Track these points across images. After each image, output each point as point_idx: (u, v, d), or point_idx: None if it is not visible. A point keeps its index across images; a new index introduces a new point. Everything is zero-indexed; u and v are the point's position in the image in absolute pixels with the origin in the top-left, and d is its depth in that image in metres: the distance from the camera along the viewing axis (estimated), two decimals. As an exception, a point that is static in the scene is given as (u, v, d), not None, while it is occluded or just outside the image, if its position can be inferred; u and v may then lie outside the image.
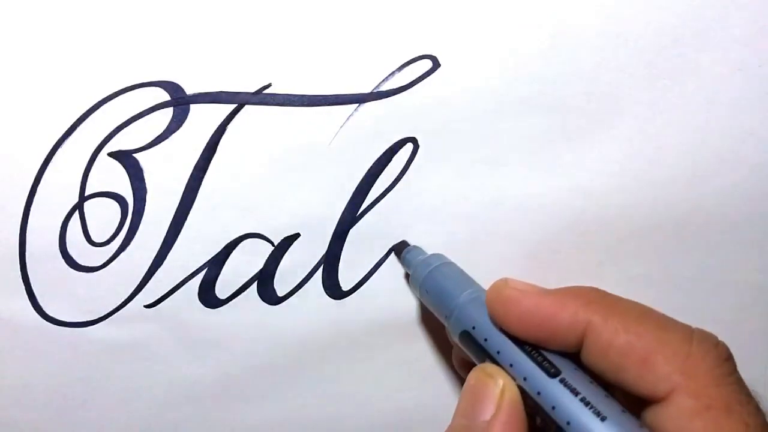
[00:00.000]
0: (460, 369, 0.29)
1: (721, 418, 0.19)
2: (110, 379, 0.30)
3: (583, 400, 0.21)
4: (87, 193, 0.28)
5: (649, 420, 0.21)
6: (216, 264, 0.29)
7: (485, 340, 0.24)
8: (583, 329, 0.22)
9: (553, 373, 0.22)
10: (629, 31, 0.28)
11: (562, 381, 0.21)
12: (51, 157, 0.28)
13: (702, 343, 0.21)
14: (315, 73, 0.28)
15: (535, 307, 0.23)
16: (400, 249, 0.29)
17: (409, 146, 0.29)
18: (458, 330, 0.25)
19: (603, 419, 0.20)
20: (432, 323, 0.30)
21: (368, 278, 0.30)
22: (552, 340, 0.22)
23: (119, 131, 0.28)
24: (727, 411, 0.20)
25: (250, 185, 0.29)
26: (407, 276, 0.29)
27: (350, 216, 0.29)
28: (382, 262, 0.29)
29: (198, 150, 0.28)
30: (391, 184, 0.29)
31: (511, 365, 0.23)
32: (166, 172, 0.28)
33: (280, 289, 0.30)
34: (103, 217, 0.29)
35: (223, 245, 0.29)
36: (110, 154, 0.28)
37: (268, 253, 0.29)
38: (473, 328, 0.24)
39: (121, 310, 0.29)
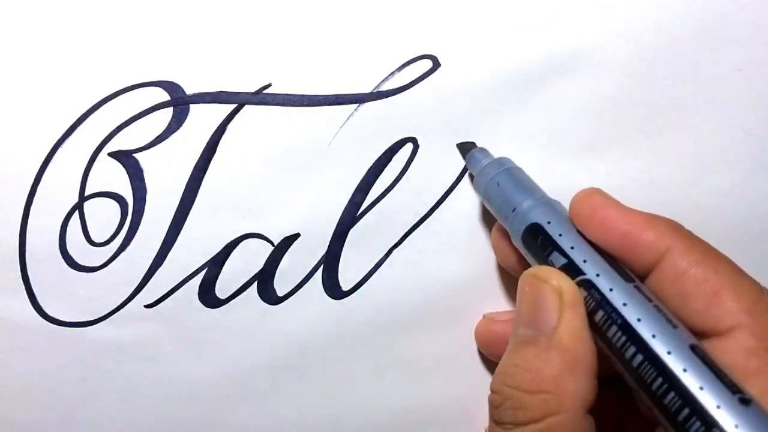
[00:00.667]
0: (502, 256, 0.28)
1: None
2: (110, 379, 0.30)
3: (656, 306, 0.21)
4: (87, 193, 0.28)
5: None
6: (216, 264, 0.29)
7: (560, 235, 0.24)
8: (663, 252, 0.22)
9: (628, 278, 0.22)
10: (629, 31, 0.28)
11: (636, 287, 0.22)
12: (51, 157, 0.28)
13: None
14: (315, 73, 0.28)
15: (623, 217, 0.23)
16: (467, 148, 0.28)
17: (409, 146, 0.29)
18: (527, 222, 0.24)
19: (675, 326, 0.20)
20: (431, 324, 0.30)
21: (368, 278, 0.30)
22: (630, 254, 0.23)
23: (119, 131, 0.28)
24: None
25: (250, 185, 0.29)
26: (471, 176, 0.29)
27: (350, 216, 0.29)
28: (382, 262, 0.29)
29: (198, 150, 0.28)
30: (391, 184, 0.29)
31: (585, 261, 0.23)
32: (166, 172, 0.28)
33: (280, 289, 0.30)
34: (103, 217, 0.29)
35: (223, 245, 0.29)
36: (110, 154, 0.28)
37: (268, 253, 0.29)
38: (548, 222, 0.24)
39: (121, 310, 0.29)
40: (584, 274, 0.22)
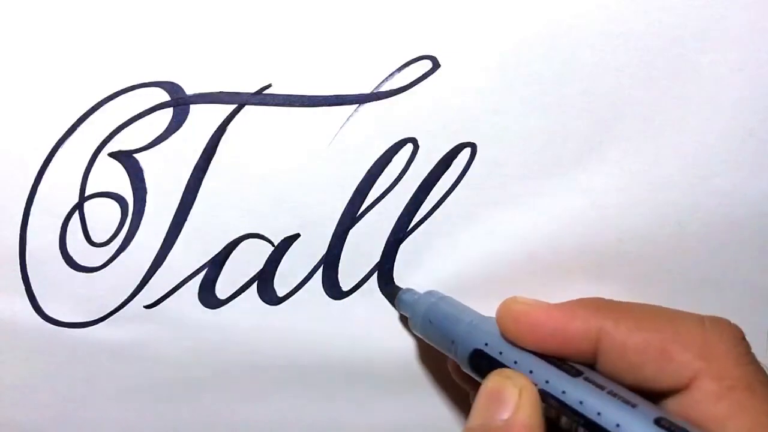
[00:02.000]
0: (463, 383, 0.29)
1: (744, 398, 0.20)
2: (110, 379, 0.30)
3: (610, 392, 0.21)
4: (87, 193, 0.28)
5: (672, 411, 0.21)
6: (216, 264, 0.29)
7: (500, 353, 0.24)
8: (596, 336, 0.22)
9: (574, 373, 0.22)
10: (629, 31, 0.28)
11: (585, 379, 0.22)
12: (51, 157, 0.28)
13: (715, 326, 0.21)
14: (315, 74, 0.28)
15: (546, 318, 0.23)
16: (393, 293, 0.29)
17: (409, 146, 0.29)
18: (469, 350, 0.25)
19: (634, 406, 0.20)
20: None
21: (368, 278, 0.30)
22: (566, 350, 0.23)
23: (119, 131, 0.28)
24: (750, 390, 0.20)
25: (250, 185, 0.29)
26: (402, 317, 0.30)
27: (350, 216, 0.29)
28: (383, 263, 0.29)
29: (198, 150, 0.28)
30: (391, 184, 0.29)
31: (531, 372, 0.23)
32: (166, 172, 0.28)
33: (280, 290, 0.30)
34: (103, 217, 0.29)
35: (223, 245, 0.29)
36: (110, 154, 0.28)
37: (268, 253, 0.29)
38: (486, 344, 0.24)
39: (121, 310, 0.29)
40: (535, 384, 0.22)
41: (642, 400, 0.21)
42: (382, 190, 0.29)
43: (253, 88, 0.28)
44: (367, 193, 0.29)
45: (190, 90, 0.28)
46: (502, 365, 0.24)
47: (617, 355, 0.22)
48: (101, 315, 0.29)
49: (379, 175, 0.29)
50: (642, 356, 0.21)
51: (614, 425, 0.20)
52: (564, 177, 0.29)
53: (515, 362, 0.23)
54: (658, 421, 0.19)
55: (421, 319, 0.27)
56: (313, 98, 0.28)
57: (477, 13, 0.28)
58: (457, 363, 0.26)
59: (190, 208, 0.29)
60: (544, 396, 0.22)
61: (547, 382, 0.22)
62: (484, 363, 0.24)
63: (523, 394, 0.22)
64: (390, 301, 0.30)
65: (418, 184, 0.29)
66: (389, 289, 0.30)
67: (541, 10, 0.28)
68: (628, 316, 0.22)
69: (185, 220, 0.29)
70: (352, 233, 0.29)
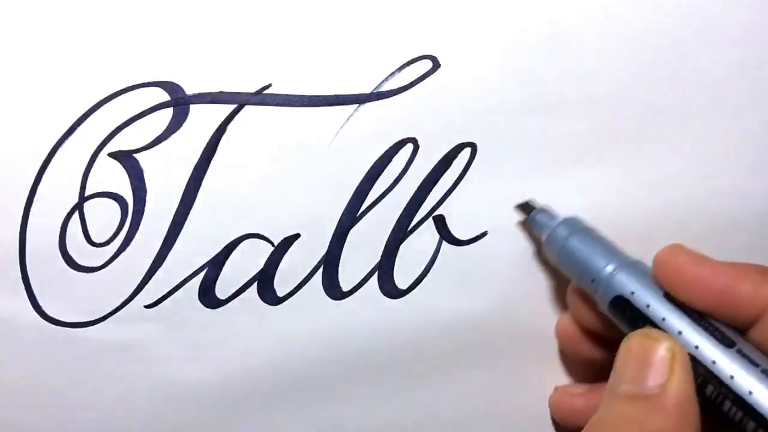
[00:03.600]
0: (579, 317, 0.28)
1: None
2: (110, 379, 0.30)
3: (764, 371, 0.20)
4: (87, 193, 0.28)
5: None
6: (216, 264, 0.29)
7: (647, 306, 0.22)
8: (764, 304, 0.21)
9: (728, 343, 0.21)
10: (629, 31, 0.28)
11: (739, 351, 0.21)
12: (51, 157, 0.28)
13: None
14: (315, 73, 0.28)
15: (715, 274, 0.22)
16: (526, 210, 0.28)
17: (409, 146, 0.29)
18: (611, 295, 0.23)
19: None
20: (432, 323, 0.30)
21: (368, 279, 0.30)
22: (727, 311, 0.22)
23: (119, 131, 0.28)
24: None
25: (250, 185, 0.29)
26: (536, 240, 0.28)
27: (350, 216, 0.29)
28: (383, 263, 0.29)
29: (198, 150, 0.28)
30: (391, 184, 0.29)
31: (679, 333, 0.22)
32: (166, 172, 0.28)
33: (280, 290, 0.29)
34: (103, 217, 0.29)
35: (223, 245, 0.29)
36: (110, 155, 0.28)
37: (268, 254, 0.29)
38: (632, 293, 0.23)
39: (121, 310, 0.29)
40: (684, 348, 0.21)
41: None
42: (382, 190, 0.29)
43: (253, 88, 0.28)
44: (367, 193, 0.29)
45: (190, 90, 0.28)
46: (646, 319, 0.22)
47: None
48: (101, 315, 0.29)
49: (379, 175, 0.29)
50: None
51: (766, 408, 0.19)
52: (564, 177, 0.29)
53: (663, 319, 0.22)
54: None
55: (559, 246, 0.26)
56: (313, 98, 0.28)
57: (477, 13, 0.28)
58: (581, 292, 0.25)
59: (190, 208, 0.29)
60: (692, 361, 0.21)
61: (696, 347, 0.21)
62: (625, 312, 0.23)
63: (677, 359, 0.21)
64: (524, 215, 0.28)
65: (418, 184, 0.29)
66: (523, 206, 0.28)
67: (542, 10, 0.28)
68: None
69: (185, 220, 0.29)
70: (352, 233, 0.29)
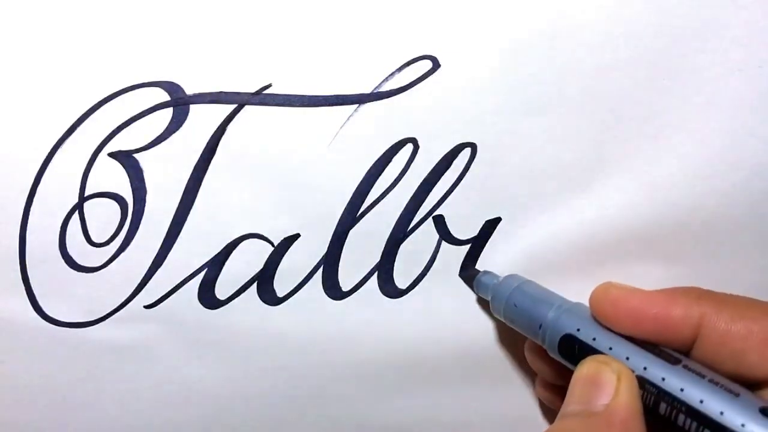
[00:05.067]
0: (540, 366, 0.29)
1: None
2: (110, 379, 0.30)
3: (711, 380, 0.21)
4: (87, 193, 0.28)
5: None
6: (216, 264, 0.29)
7: (593, 339, 0.24)
8: (697, 323, 0.22)
9: (674, 360, 0.22)
10: (629, 31, 0.28)
11: (685, 367, 0.22)
12: (51, 157, 0.28)
13: None
14: (315, 73, 0.28)
15: (647, 303, 0.23)
16: (471, 275, 0.29)
17: (409, 146, 0.29)
18: (559, 335, 0.25)
19: (737, 395, 0.20)
20: (432, 323, 0.30)
21: (368, 278, 0.30)
22: (665, 337, 0.23)
23: (119, 131, 0.28)
24: None
25: (250, 185, 0.29)
26: (479, 299, 0.30)
27: (350, 216, 0.29)
28: (383, 263, 0.29)
29: (198, 150, 0.28)
30: (391, 184, 0.29)
31: (627, 358, 0.23)
32: (166, 172, 0.28)
33: (280, 290, 0.29)
34: (103, 217, 0.29)
35: (223, 245, 0.29)
36: (110, 154, 0.28)
37: (268, 254, 0.29)
38: (578, 330, 0.24)
39: (121, 311, 0.29)
40: (632, 371, 0.22)
41: (743, 389, 0.21)
42: (382, 190, 0.29)
43: (253, 88, 0.28)
44: (367, 193, 0.29)
45: (190, 90, 0.28)
46: (594, 351, 0.23)
47: (718, 343, 0.22)
48: (101, 315, 0.29)
49: (379, 175, 0.29)
50: (745, 343, 0.22)
51: (718, 413, 0.20)
52: (563, 177, 0.29)
53: (610, 348, 0.23)
54: (763, 411, 0.19)
55: (505, 302, 0.27)
56: (313, 98, 0.28)
57: (477, 13, 0.28)
58: (535, 346, 0.26)
59: (190, 208, 0.29)
60: (642, 382, 0.22)
61: (645, 368, 0.22)
62: (574, 349, 0.24)
63: (622, 379, 0.22)
64: (468, 284, 0.30)
65: (418, 184, 0.29)
66: (467, 272, 0.30)
67: (542, 10, 0.28)
68: (728, 305, 0.23)
69: (185, 220, 0.29)
70: (352, 233, 0.29)
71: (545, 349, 0.26)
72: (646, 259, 0.30)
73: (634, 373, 0.22)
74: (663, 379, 0.21)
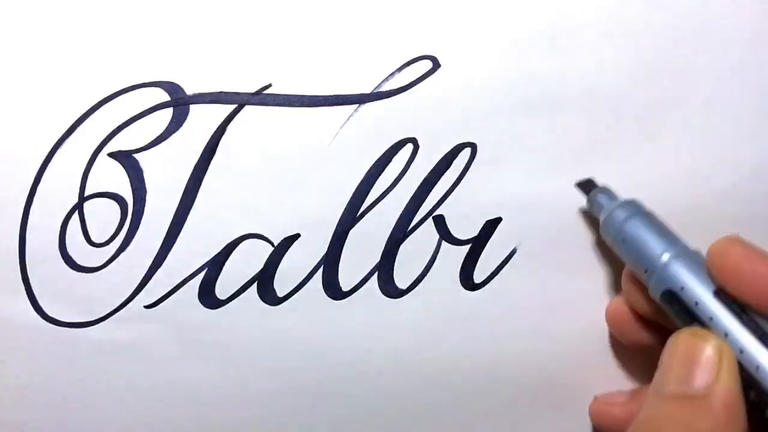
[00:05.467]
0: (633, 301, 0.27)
1: None
2: (110, 379, 0.30)
3: None
4: (87, 193, 0.28)
5: None
6: (216, 264, 0.29)
7: (696, 303, 0.22)
8: None
9: None
10: (629, 31, 0.28)
11: None
12: (51, 157, 0.28)
13: None
14: (315, 73, 0.28)
15: None
16: (588, 187, 0.28)
17: (409, 146, 0.29)
18: (661, 288, 0.23)
19: None
20: (432, 323, 0.30)
21: (368, 279, 0.30)
22: None
23: (119, 131, 0.28)
24: None
25: (250, 185, 0.29)
26: (593, 220, 0.28)
27: (350, 216, 0.29)
28: (383, 263, 0.29)
29: (198, 150, 0.28)
30: (391, 185, 0.29)
31: (725, 335, 0.21)
32: (166, 172, 0.28)
33: (280, 290, 0.29)
34: (103, 217, 0.29)
35: (223, 245, 0.29)
36: (110, 155, 0.28)
37: (268, 254, 0.29)
38: (681, 288, 0.23)
39: (121, 311, 0.29)
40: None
41: None
42: (382, 190, 0.29)
43: (253, 88, 0.28)
44: (367, 193, 0.29)
45: (190, 90, 0.28)
46: (695, 317, 0.22)
47: None
48: (101, 315, 0.29)
49: (379, 175, 0.29)
50: None
51: None
52: (564, 177, 0.29)
53: (711, 319, 0.22)
54: None
55: (614, 231, 0.26)
56: (313, 98, 0.28)
57: (477, 13, 0.28)
58: (638, 281, 0.25)
59: (190, 208, 0.29)
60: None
61: (741, 352, 0.21)
62: (676, 304, 0.23)
63: (724, 359, 0.21)
64: (582, 192, 0.28)
65: (418, 184, 0.29)
66: (584, 184, 0.28)
67: (541, 10, 0.28)
68: None
69: (185, 220, 0.29)
70: (352, 233, 0.29)
71: (649, 289, 0.25)
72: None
73: None
74: (757, 368, 0.20)
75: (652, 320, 0.27)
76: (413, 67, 0.28)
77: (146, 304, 0.29)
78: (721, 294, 0.22)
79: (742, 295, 0.22)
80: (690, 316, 0.23)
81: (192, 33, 0.28)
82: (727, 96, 0.28)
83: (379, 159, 0.29)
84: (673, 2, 0.28)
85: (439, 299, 0.30)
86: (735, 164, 0.29)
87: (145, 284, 0.29)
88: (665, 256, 0.24)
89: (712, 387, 0.20)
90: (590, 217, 0.29)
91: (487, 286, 0.30)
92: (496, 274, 0.30)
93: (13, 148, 0.28)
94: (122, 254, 0.29)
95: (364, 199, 0.29)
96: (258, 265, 0.29)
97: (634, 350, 0.30)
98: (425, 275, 0.30)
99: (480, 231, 0.30)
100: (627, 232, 0.25)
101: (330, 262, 0.29)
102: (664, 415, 0.21)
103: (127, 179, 0.28)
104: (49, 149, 0.28)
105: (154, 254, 0.29)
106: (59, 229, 0.28)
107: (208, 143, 0.28)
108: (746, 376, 0.21)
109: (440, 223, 0.29)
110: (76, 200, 0.28)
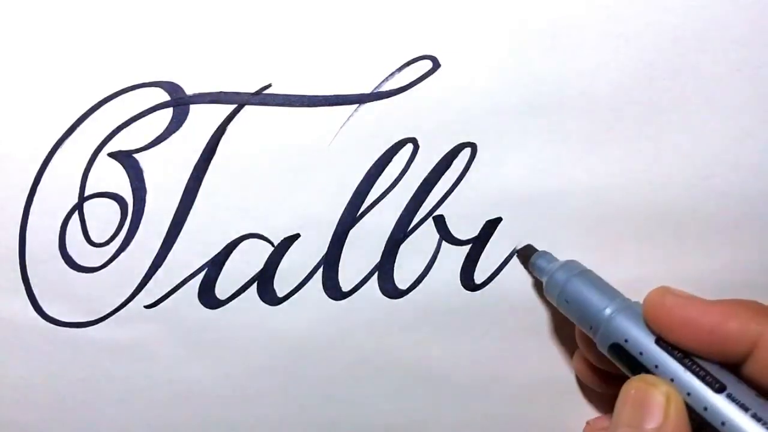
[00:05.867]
0: (586, 370, 0.29)
1: None
2: (110, 379, 0.30)
3: (754, 416, 0.21)
4: (87, 193, 0.28)
5: None
6: (216, 264, 0.29)
7: (640, 353, 0.24)
8: (754, 340, 0.22)
9: (718, 388, 0.22)
10: (629, 31, 0.28)
11: (728, 396, 0.21)
12: (51, 157, 0.28)
13: None
14: (315, 73, 0.28)
15: (703, 314, 0.23)
16: (527, 254, 0.29)
17: (409, 146, 0.29)
18: (608, 342, 0.25)
19: None
20: (432, 323, 0.30)
21: (368, 279, 0.30)
22: (718, 350, 0.22)
23: (119, 131, 0.28)
24: None
25: (250, 185, 0.29)
26: (536, 282, 0.29)
27: (350, 216, 0.29)
28: (383, 263, 0.29)
29: (198, 150, 0.28)
30: (391, 185, 0.29)
31: (672, 380, 0.22)
32: (166, 172, 0.28)
33: (280, 290, 0.29)
34: (103, 217, 0.29)
35: (223, 245, 0.29)
36: (110, 154, 0.28)
37: (268, 254, 0.29)
38: (626, 341, 0.24)
39: (121, 310, 0.29)
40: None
41: None
42: (382, 190, 0.29)
43: (253, 88, 0.28)
44: (367, 193, 0.29)
45: (190, 90, 0.28)
46: (641, 367, 0.23)
47: None
48: (101, 315, 0.29)
49: (379, 175, 0.29)
50: None
51: None
52: (564, 177, 0.29)
53: (656, 366, 0.23)
54: None
55: (557, 293, 0.27)
56: (313, 98, 0.28)
57: (477, 13, 0.28)
58: (585, 336, 0.26)
59: (190, 208, 0.29)
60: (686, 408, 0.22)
61: (688, 394, 0.22)
62: (622, 356, 0.24)
63: (672, 402, 0.22)
64: (522, 263, 0.29)
65: (418, 184, 0.29)
66: (523, 251, 0.29)
67: (541, 11, 0.28)
68: None
69: (185, 220, 0.29)
70: (352, 233, 0.29)
71: (596, 343, 0.26)
72: (645, 259, 0.30)
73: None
74: (705, 409, 0.21)
75: (609, 370, 0.28)
76: (413, 67, 0.28)
77: (146, 304, 0.29)
78: (661, 342, 0.23)
79: (679, 341, 0.23)
80: (637, 365, 0.24)
81: (192, 33, 0.28)
82: (727, 96, 0.28)
83: (379, 159, 0.29)
84: (673, 2, 0.28)
85: (439, 299, 0.30)
86: (734, 165, 0.29)
87: (145, 284, 0.29)
88: (607, 311, 0.25)
89: (662, 429, 0.21)
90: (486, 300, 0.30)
91: (487, 286, 0.30)
92: (497, 274, 0.30)
93: (13, 148, 0.28)
94: (122, 254, 0.29)
95: (364, 199, 0.29)
96: (258, 265, 0.29)
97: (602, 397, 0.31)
98: (425, 275, 0.30)
99: (480, 231, 0.30)
100: (569, 292, 0.27)
101: (330, 262, 0.29)
102: None
103: (127, 179, 0.28)
104: (49, 149, 0.28)
105: (154, 254, 0.29)
106: (59, 229, 0.28)
107: (208, 143, 0.28)
108: (696, 418, 0.22)
109: (440, 223, 0.29)
110: (76, 200, 0.28)
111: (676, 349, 0.23)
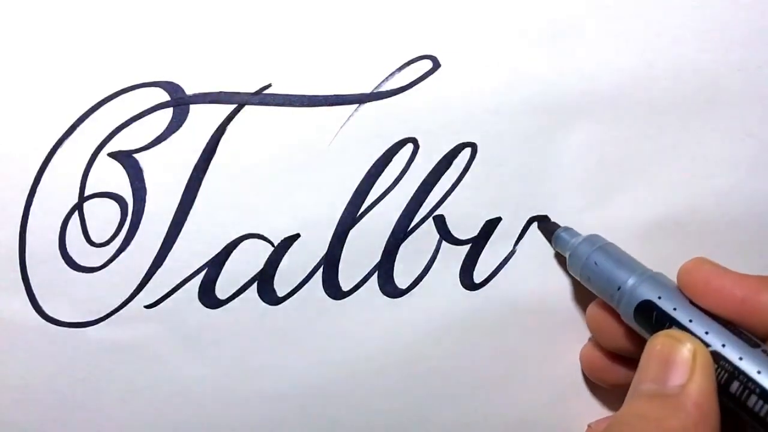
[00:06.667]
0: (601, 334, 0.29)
1: None
2: (110, 379, 0.30)
3: None
4: (87, 193, 0.28)
5: None
6: (216, 264, 0.29)
7: (674, 309, 0.24)
8: None
9: (753, 344, 0.22)
10: (629, 31, 0.28)
11: (764, 351, 0.22)
12: (51, 157, 0.28)
13: None
14: (315, 73, 0.28)
15: (737, 284, 0.23)
16: (551, 229, 0.29)
17: (409, 146, 0.29)
18: (638, 299, 0.24)
19: None
20: (432, 323, 0.30)
21: (368, 278, 0.30)
22: (749, 320, 0.23)
23: (119, 131, 0.28)
24: None
25: (250, 185, 0.29)
26: (556, 254, 0.29)
27: (350, 216, 0.29)
28: (383, 263, 0.29)
29: (198, 150, 0.28)
30: (391, 185, 0.29)
31: (706, 332, 0.23)
32: (166, 172, 0.28)
33: (280, 290, 0.29)
34: (103, 217, 0.28)
35: (223, 245, 0.29)
36: (110, 155, 0.28)
37: (268, 254, 0.29)
38: (659, 297, 0.24)
39: (121, 310, 0.29)
40: (709, 346, 0.22)
41: None
42: (382, 190, 0.29)
43: (253, 88, 0.28)
44: (367, 193, 0.29)
45: (190, 90, 0.28)
46: (672, 322, 0.23)
47: None
48: (101, 315, 0.29)
49: (379, 175, 0.29)
50: None
51: None
52: (564, 177, 0.29)
53: (690, 321, 0.23)
54: None
55: (585, 259, 0.27)
56: (313, 98, 0.28)
57: (477, 13, 0.28)
58: (602, 307, 0.26)
59: (190, 208, 0.29)
60: (717, 358, 0.22)
61: (723, 345, 0.22)
62: (650, 317, 0.24)
63: (698, 358, 0.22)
64: (545, 236, 0.29)
65: (418, 184, 0.29)
66: (546, 225, 0.29)
67: (542, 10, 0.28)
68: None
69: (185, 220, 0.29)
70: (352, 233, 0.29)
71: (618, 312, 0.26)
72: (644, 259, 0.30)
73: (710, 348, 0.22)
74: (741, 359, 0.21)
75: (624, 355, 0.28)
76: (413, 67, 0.28)
77: (146, 304, 0.29)
78: (694, 304, 0.24)
79: (711, 308, 0.23)
80: (667, 323, 0.24)
81: (192, 33, 0.28)
82: (727, 96, 0.28)
83: (379, 159, 0.29)
84: (673, 2, 0.28)
85: (439, 299, 0.30)
86: (735, 164, 0.29)
87: (145, 284, 0.29)
88: (635, 277, 0.25)
89: (685, 387, 0.21)
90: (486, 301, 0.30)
91: (487, 286, 0.30)
92: (496, 274, 0.30)
93: (13, 148, 0.28)
94: (122, 254, 0.29)
95: (364, 199, 0.29)
96: (258, 265, 0.29)
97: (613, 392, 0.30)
98: (425, 275, 0.30)
99: (480, 231, 0.30)
100: (593, 261, 0.26)
101: (330, 262, 0.29)
102: (637, 413, 0.22)
103: (127, 179, 0.28)
104: (49, 149, 0.28)
105: (154, 254, 0.29)
106: (59, 229, 0.28)
107: (208, 143, 0.28)
108: (729, 368, 0.22)
109: (440, 223, 0.29)
110: (76, 200, 0.28)
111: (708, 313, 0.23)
